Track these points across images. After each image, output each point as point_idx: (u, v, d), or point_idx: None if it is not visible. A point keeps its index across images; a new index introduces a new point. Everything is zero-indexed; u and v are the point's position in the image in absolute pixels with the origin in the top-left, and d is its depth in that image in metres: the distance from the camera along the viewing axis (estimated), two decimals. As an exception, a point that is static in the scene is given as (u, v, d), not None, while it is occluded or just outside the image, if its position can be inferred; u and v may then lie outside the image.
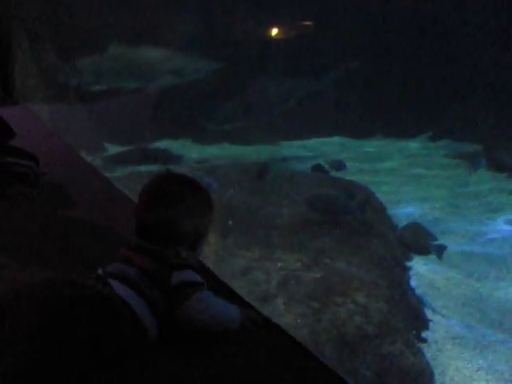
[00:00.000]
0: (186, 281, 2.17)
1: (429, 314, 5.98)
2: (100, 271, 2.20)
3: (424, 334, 5.58)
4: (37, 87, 8.10)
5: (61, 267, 2.60)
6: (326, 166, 8.79)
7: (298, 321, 4.49)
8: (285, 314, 4.52)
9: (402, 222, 7.76)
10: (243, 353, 2.20)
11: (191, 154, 9.07)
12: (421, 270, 6.97)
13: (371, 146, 11.62)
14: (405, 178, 9.68)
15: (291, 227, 5.87)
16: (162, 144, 9.23)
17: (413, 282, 6.57)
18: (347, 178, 8.66)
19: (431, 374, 4.94)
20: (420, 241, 7.02)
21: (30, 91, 7.86)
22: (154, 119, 9.66)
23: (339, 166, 8.85)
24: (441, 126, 11.83)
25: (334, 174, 8.72)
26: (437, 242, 7.21)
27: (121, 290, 2.08)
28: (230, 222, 5.56)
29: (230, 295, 2.57)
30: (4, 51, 7.44)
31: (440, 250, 6.96)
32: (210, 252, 4.97)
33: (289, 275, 5.00)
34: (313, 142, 11.46)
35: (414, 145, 12.07)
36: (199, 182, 2.37)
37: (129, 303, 2.05)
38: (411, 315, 5.61)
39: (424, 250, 6.94)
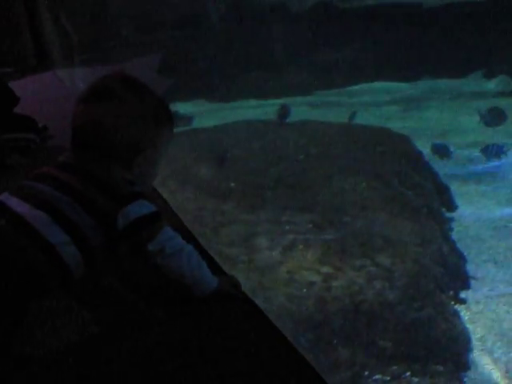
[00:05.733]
0: (143, 216, 1.72)
1: (471, 270, 5.34)
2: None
3: (463, 294, 4.98)
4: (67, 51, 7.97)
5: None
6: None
7: (304, 290, 3.97)
8: (289, 284, 4.01)
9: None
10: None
11: (209, 114, 8.53)
12: (465, 221, 6.32)
13: (417, 88, 10.74)
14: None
15: (305, 184, 5.29)
16: (174, 107, 8.72)
17: (454, 235, 5.93)
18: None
19: (467, 341, 4.35)
20: None
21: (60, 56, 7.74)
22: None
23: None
24: (496, 62, 10.79)
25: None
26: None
27: (28, 211, 1.64)
28: (233, 185, 5.05)
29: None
30: (35, 19, 7.30)
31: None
32: (207, 218, 4.51)
33: (297, 239, 4.46)
34: (355, 88, 10.69)
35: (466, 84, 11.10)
36: (152, 90, 1.90)
37: (36, 228, 1.62)
38: (448, 274, 4.99)
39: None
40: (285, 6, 10.32)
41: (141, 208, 1.73)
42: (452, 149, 7.66)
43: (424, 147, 7.41)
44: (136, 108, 1.81)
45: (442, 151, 7.55)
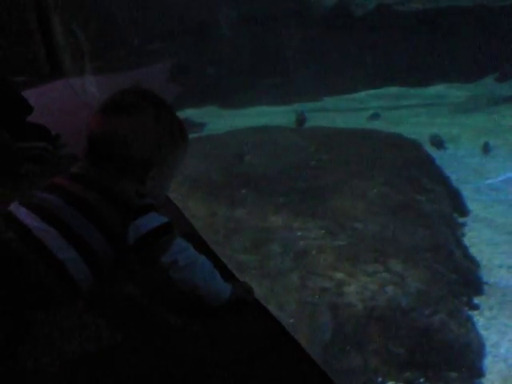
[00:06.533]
0: (154, 229, 1.72)
1: (484, 275, 5.30)
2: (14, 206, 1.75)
3: (476, 300, 4.93)
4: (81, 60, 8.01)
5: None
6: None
7: (316, 297, 3.97)
8: (300, 290, 4.01)
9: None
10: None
11: (220, 121, 8.52)
12: (478, 226, 6.26)
13: (429, 93, 10.69)
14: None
15: (317, 190, 5.29)
16: (185, 113, 8.71)
17: (467, 241, 5.88)
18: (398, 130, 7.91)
19: (481, 347, 4.31)
20: None
21: (74, 64, 7.76)
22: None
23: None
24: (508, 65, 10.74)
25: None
26: None
27: (36, 224, 1.65)
28: (244, 191, 5.06)
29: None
30: (47, 28, 7.35)
31: None
32: (219, 224, 4.52)
33: (309, 245, 4.46)
34: (363, 94, 10.65)
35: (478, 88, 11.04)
36: (170, 106, 1.91)
37: (43, 242, 1.63)
38: (460, 279, 4.95)
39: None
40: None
41: (151, 221, 1.73)
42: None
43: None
44: (153, 123, 1.81)
45: (437, 143, 7.82)
